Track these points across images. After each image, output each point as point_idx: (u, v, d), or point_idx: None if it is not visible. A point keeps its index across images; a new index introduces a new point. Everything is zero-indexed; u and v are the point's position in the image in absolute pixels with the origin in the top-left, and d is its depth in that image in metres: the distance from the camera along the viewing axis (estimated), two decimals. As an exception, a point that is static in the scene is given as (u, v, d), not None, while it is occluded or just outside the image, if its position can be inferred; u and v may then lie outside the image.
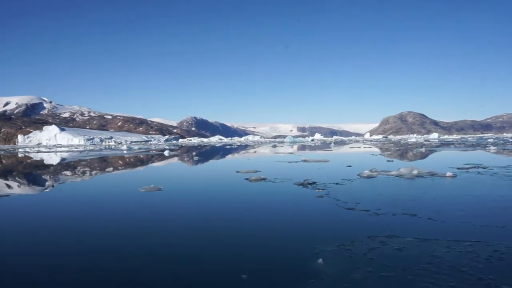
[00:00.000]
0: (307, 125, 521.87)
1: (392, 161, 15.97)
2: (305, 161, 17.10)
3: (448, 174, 10.03)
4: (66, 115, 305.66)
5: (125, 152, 37.22)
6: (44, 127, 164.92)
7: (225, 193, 8.50)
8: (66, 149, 54.56)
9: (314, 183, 8.83)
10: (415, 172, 10.50)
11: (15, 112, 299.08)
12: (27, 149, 59.06)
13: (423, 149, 26.71)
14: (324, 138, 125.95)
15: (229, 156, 25.89)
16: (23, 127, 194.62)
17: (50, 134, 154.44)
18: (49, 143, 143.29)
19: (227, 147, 46.84)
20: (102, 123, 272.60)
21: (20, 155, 36.35)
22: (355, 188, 8.17)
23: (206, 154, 30.15)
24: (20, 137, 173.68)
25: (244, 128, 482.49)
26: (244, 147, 46.29)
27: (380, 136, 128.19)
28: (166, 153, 30.85)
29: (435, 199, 6.83)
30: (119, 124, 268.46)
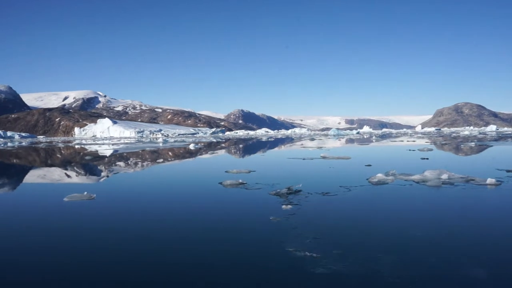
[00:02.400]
0: (356, 118, 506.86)
1: (427, 159, 13.23)
2: (323, 157, 14.79)
3: (489, 181, 7.41)
4: (119, 108, 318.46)
5: (160, 145, 36.80)
6: (98, 120, 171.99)
7: (177, 200, 6.58)
8: (116, 141, 55.16)
9: (297, 192, 6.66)
10: (444, 176, 7.97)
11: (73, 106, 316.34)
12: (83, 141, 60.50)
13: (472, 144, 23.15)
14: (373, 131, 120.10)
15: (246, 150, 23.93)
16: (80, 120, 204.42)
17: (103, 127, 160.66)
18: (102, 135, 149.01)
19: (264, 139, 44.94)
20: (153, 116, 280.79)
21: (59, 145, 36.72)
22: (344, 205, 5.89)
23: (228, 147, 28.38)
24: (76, 130, 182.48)
25: (291, 121, 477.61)
26: (283, 140, 44.15)
27: (432, 129, 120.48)
28: (191, 146, 29.77)
29: (463, 234, 4.45)
30: (168, 117, 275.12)
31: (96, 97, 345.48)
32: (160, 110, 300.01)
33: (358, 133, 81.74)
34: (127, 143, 45.09)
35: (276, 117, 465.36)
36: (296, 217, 4.89)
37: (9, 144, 49.30)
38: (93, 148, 32.36)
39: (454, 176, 8.07)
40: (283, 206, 5.31)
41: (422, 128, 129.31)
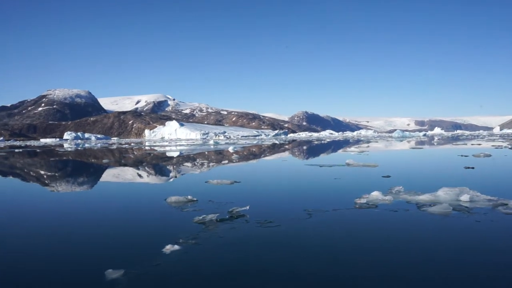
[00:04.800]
0: (427, 119, 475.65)
1: (472, 168, 10.66)
2: (347, 164, 12.75)
3: (528, 207, 5.15)
4: (187, 111, 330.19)
5: (211, 147, 36.51)
6: (167, 123, 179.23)
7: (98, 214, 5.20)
8: (182, 143, 56.26)
9: (237, 217, 5.01)
10: (464, 197, 5.79)
11: (144, 109, 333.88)
12: (147, 143, 62.59)
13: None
14: (444, 133, 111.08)
15: (276, 153, 22.09)
16: (150, 122, 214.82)
17: (171, 129, 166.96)
18: (170, 137, 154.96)
19: (316, 142, 42.71)
20: (218, 118, 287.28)
21: (122, 146, 37.74)
22: (269, 244, 4.13)
23: (268, 150, 26.74)
24: (147, 132, 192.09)
25: (356, 123, 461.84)
26: (336, 142, 41.57)
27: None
28: (230, 149, 28.88)
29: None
30: (233, 119, 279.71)
31: (166, 101, 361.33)
32: (225, 113, 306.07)
33: (425, 135, 75.81)
34: (191, 144, 45.42)
35: (341, 119, 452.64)
36: (176, 265, 3.27)
37: (86, 145, 52.83)
38: (147, 148, 32.59)
39: (479, 198, 5.84)
40: (167, 247, 3.66)
41: (500, 130, 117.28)
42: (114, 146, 42.77)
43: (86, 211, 6.19)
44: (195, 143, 56.02)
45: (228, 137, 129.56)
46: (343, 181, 8.69)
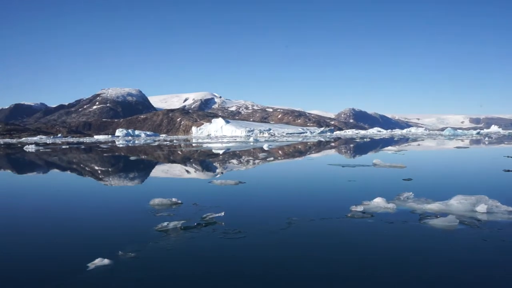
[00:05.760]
0: (483, 116, 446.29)
1: (509, 171, 9.46)
2: (374, 165, 11.88)
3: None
4: (233, 108, 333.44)
5: (251, 144, 36.39)
6: (213, 120, 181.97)
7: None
8: (224, 140, 56.63)
9: (210, 224, 4.53)
10: (480, 208, 4.93)
11: (192, 106, 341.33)
12: (193, 140, 63.74)
13: None
14: (502, 131, 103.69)
15: (310, 152, 21.21)
16: (197, 120, 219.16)
17: (217, 126, 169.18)
18: (216, 134, 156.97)
19: (358, 140, 41.18)
20: (264, 116, 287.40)
21: (165, 143, 38.59)
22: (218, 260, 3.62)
23: (307, 149, 25.94)
24: (193, 129, 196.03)
25: (406, 120, 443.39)
26: (380, 140, 39.83)
27: None
28: (265, 147, 28.40)
29: None
30: (279, 116, 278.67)
31: (212, 98, 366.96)
32: (270, 110, 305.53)
33: (478, 133, 71.04)
34: (222, 142, 45.64)
35: (390, 116, 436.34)
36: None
37: (136, 142, 54.64)
38: (180, 144, 32.98)
39: (498, 209, 4.96)
40: (96, 261, 3.22)
41: None
42: (156, 143, 43.78)
43: (56, 208, 5.96)
44: (236, 140, 56.09)
45: (272, 134, 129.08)
46: (354, 184, 7.93)
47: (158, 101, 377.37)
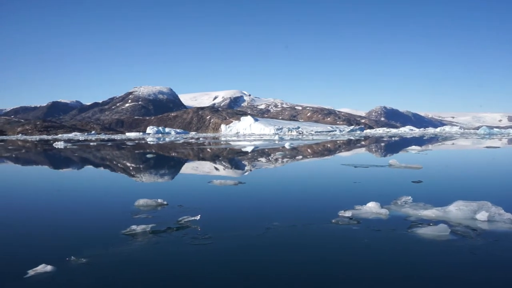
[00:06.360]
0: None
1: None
2: (390, 165, 11.38)
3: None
4: (262, 106, 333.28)
5: (276, 142, 36.13)
6: (242, 118, 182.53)
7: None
8: (251, 138, 56.66)
9: (182, 228, 4.33)
10: (480, 216, 4.49)
11: (221, 104, 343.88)
12: (221, 137, 64.15)
13: None
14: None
15: (331, 152, 20.67)
16: (226, 117, 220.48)
17: (246, 124, 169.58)
18: (244, 132, 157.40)
19: (386, 138, 40.01)
20: (293, 114, 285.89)
21: (191, 141, 38.97)
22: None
23: (330, 148, 25.40)
24: (223, 127, 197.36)
25: (440, 118, 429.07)
26: (409, 139, 38.58)
27: None
28: (287, 145, 28.08)
29: None
30: (308, 114, 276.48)
31: (242, 96, 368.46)
32: (300, 108, 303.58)
33: (516, 132, 67.73)
34: (247, 140, 45.58)
35: (423, 114, 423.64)
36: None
37: (166, 139, 55.40)
38: (204, 142, 33.18)
39: (501, 217, 4.49)
40: (38, 268, 3.05)
41: None
42: (182, 141, 44.19)
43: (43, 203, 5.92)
44: (262, 138, 55.92)
45: (301, 132, 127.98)
46: (356, 186, 7.52)
47: (188, 99, 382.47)
